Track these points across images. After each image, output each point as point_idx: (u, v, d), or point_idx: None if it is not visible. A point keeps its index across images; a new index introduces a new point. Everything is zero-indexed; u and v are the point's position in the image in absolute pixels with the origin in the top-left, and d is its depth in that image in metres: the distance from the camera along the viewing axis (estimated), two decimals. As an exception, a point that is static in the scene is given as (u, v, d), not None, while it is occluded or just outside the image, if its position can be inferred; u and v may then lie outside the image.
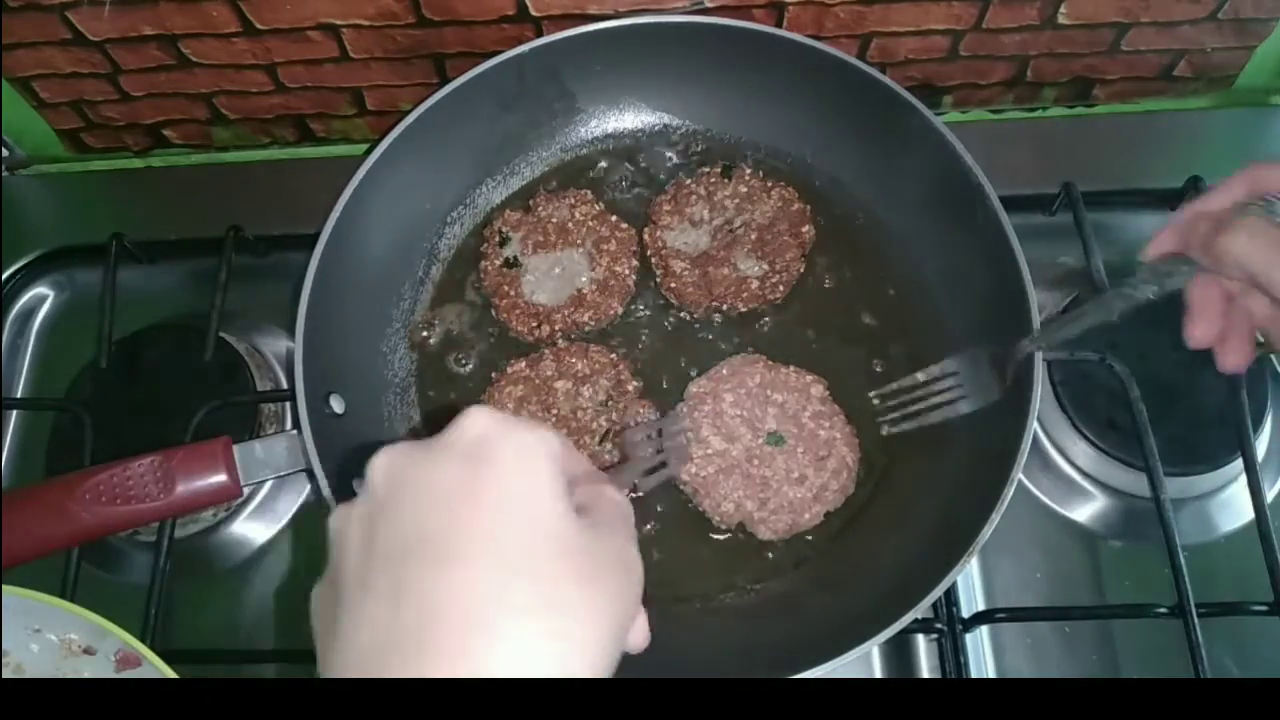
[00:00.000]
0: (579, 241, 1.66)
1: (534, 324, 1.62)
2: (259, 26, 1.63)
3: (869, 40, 1.72)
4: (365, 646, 0.74)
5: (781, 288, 1.64)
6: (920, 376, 1.53)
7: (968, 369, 1.50)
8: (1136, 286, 1.22)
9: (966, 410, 1.49)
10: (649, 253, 1.68)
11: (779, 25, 1.68)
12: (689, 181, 1.71)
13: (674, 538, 1.54)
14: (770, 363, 1.58)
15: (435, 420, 1.61)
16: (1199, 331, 1.17)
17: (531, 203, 1.71)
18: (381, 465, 0.83)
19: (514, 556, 0.76)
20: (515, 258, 1.65)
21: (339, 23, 1.63)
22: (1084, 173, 1.70)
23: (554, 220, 1.67)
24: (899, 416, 1.54)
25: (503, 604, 0.73)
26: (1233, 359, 1.16)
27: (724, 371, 1.57)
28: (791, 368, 1.58)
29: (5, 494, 1.60)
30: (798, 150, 1.74)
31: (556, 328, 1.62)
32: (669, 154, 1.79)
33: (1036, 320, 1.40)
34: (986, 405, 1.47)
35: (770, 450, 1.52)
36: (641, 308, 1.69)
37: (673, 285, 1.64)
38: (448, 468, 0.81)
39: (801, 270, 1.64)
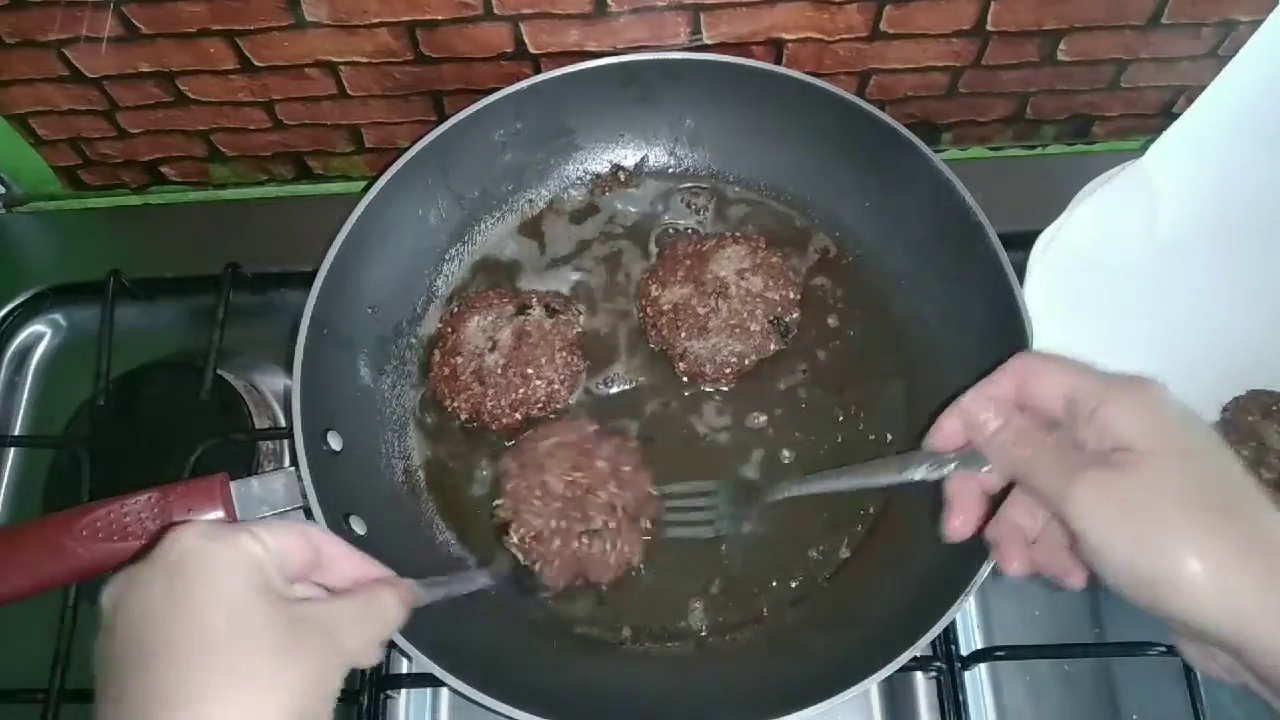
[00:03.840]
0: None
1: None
2: (257, 64, 1.64)
3: (868, 77, 1.73)
4: None
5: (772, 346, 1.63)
6: (681, 488, 1.54)
7: (725, 495, 1.52)
8: (910, 467, 1.20)
9: (707, 535, 1.52)
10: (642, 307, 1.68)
11: (778, 62, 1.68)
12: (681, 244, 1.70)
13: (667, 577, 1.53)
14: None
15: (433, 459, 1.60)
16: (957, 523, 1.14)
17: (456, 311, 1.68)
18: (108, 593, 0.93)
19: (209, 648, 0.86)
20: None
21: (337, 60, 1.64)
22: (1083, 210, 1.69)
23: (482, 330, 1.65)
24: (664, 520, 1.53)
25: (202, 691, 0.84)
26: (1015, 566, 1.11)
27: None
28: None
29: (2, 530, 1.60)
30: (796, 187, 1.74)
31: (518, 416, 1.61)
32: (667, 191, 1.78)
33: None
34: (724, 534, 1.52)
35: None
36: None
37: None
38: (154, 583, 0.90)
39: (797, 314, 1.64)
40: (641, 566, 1.52)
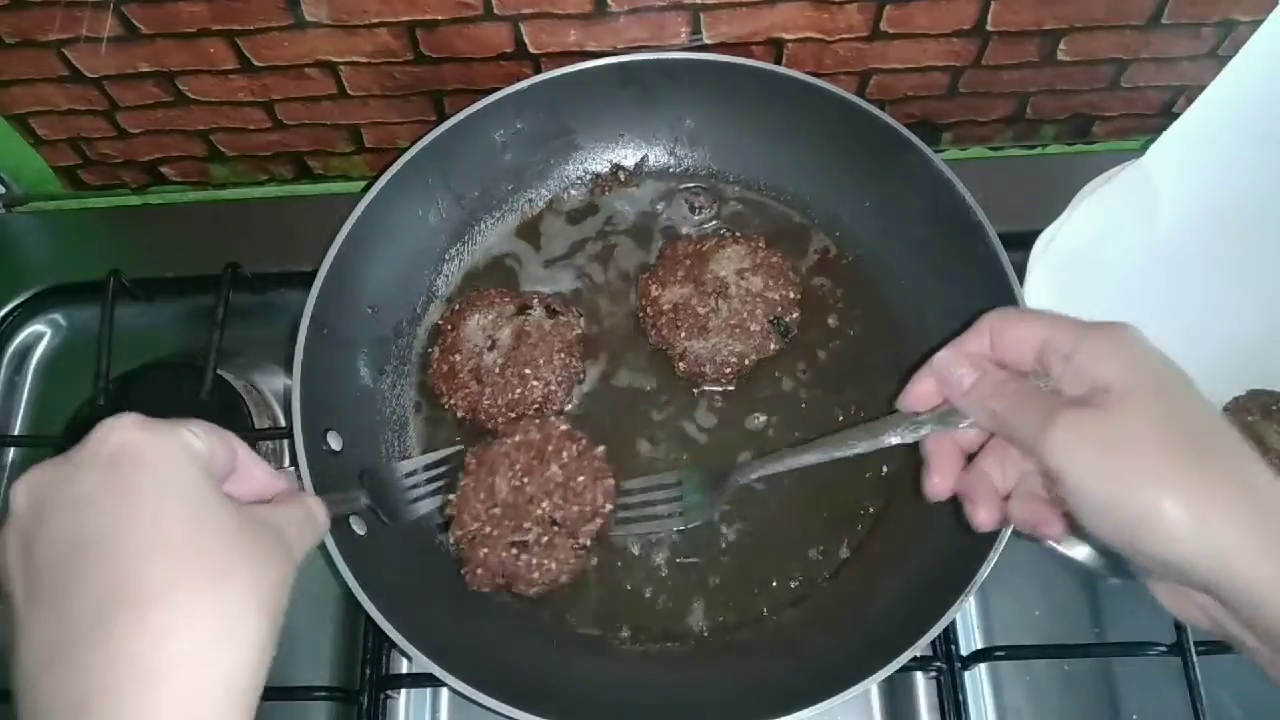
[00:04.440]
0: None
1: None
2: (257, 64, 1.64)
3: (868, 77, 1.73)
4: (40, 652, 0.79)
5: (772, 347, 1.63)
6: (644, 482, 1.55)
7: (690, 484, 1.52)
8: (885, 432, 1.20)
9: (676, 527, 1.52)
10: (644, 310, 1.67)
11: (778, 62, 1.68)
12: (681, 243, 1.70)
13: (668, 576, 1.53)
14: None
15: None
16: (937, 482, 1.15)
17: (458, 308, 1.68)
18: (24, 487, 0.87)
19: (173, 542, 0.82)
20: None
21: (337, 60, 1.64)
22: (1083, 210, 1.69)
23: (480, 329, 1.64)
24: (625, 517, 1.53)
25: (171, 582, 0.80)
26: (983, 515, 1.11)
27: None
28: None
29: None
30: (796, 187, 1.74)
31: (515, 416, 1.60)
32: (667, 190, 1.78)
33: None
34: (695, 526, 1.52)
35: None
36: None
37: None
38: (91, 476, 0.85)
39: (797, 314, 1.64)
40: (588, 577, 1.53)
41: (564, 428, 1.53)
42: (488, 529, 1.46)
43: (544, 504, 1.46)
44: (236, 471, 1.00)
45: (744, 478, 1.44)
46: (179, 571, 0.81)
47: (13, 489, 0.88)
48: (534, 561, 1.45)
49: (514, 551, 1.45)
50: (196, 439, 0.91)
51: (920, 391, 1.16)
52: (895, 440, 1.18)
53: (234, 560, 0.85)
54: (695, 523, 1.51)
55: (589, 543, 1.48)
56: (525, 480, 1.48)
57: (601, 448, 1.52)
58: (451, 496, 1.49)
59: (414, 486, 1.50)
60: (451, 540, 1.47)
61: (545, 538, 1.45)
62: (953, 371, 1.11)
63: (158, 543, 0.82)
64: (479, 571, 1.45)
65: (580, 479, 1.49)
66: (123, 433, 0.87)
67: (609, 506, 1.49)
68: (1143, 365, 0.98)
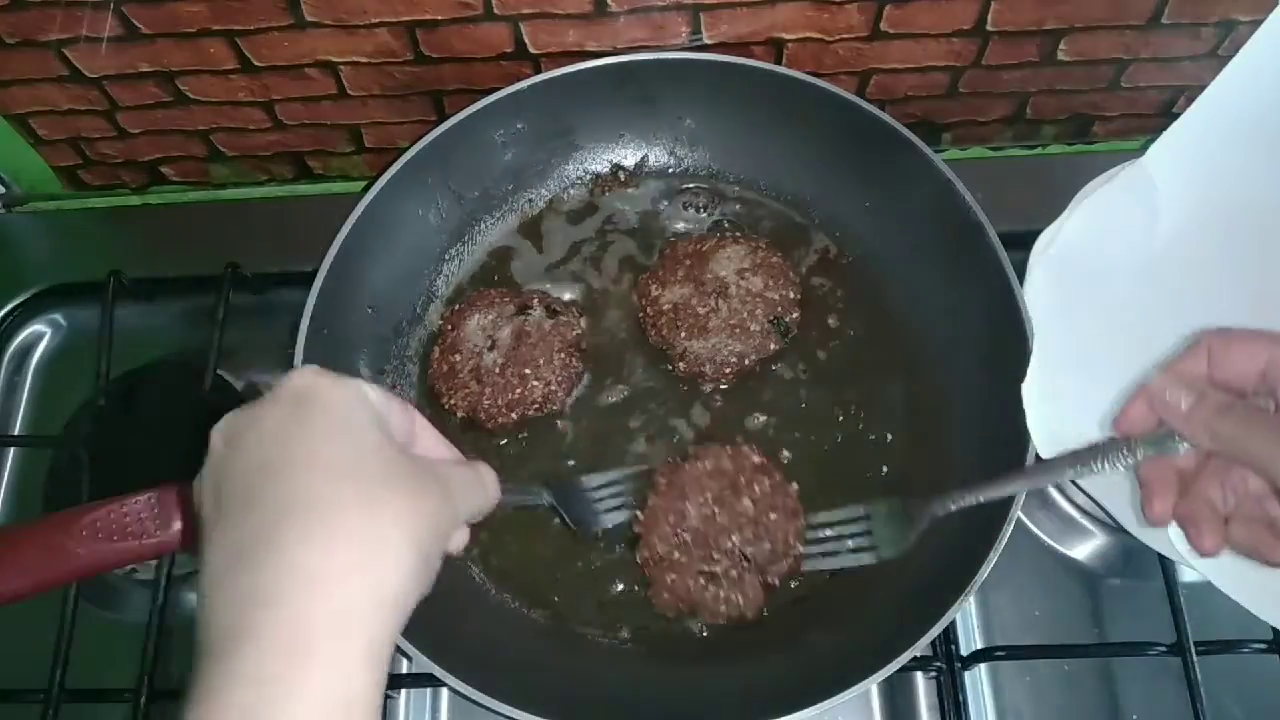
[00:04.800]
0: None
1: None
2: (257, 64, 1.64)
3: (868, 77, 1.73)
4: (220, 562, 0.86)
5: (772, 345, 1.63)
6: (830, 516, 1.50)
7: (879, 517, 1.45)
8: (1095, 459, 1.16)
9: (869, 562, 1.44)
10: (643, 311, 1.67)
11: (778, 62, 1.68)
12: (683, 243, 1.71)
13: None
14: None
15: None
16: (1158, 508, 1.11)
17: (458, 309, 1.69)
18: (219, 430, 0.94)
19: (340, 467, 0.88)
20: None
21: (337, 60, 1.64)
22: (1083, 210, 1.69)
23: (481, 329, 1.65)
24: (817, 554, 1.50)
25: (334, 501, 0.85)
26: (1208, 542, 1.07)
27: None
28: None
29: (2, 530, 1.60)
30: (796, 187, 1.74)
31: (515, 416, 1.61)
32: (666, 190, 1.79)
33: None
34: (889, 559, 1.42)
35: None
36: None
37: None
38: (276, 412, 0.92)
39: (797, 314, 1.64)
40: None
41: (757, 459, 1.53)
42: (676, 554, 1.47)
43: (734, 536, 1.47)
44: (414, 441, 1.04)
45: (942, 510, 1.34)
46: (340, 493, 0.86)
47: (212, 432, 0.95)
48: (721, 594, 1.46)
49: (702, 581, 1.46)
50: (373, 393, 0.96)
51: (1134, 414, 1.13)
52: (1107, 467, 1.15)
53: (389, 490, 0.89)
54: (888, 557, 1.42)
55: (777, 582, 1.48)
56: (717, 510, 1.48)
57: (795, 485, 1.52)
58: (639, 514, 1.51)
59: (600, 500, 1.53)
60: (638, 559, 1.50)
61: (734, 571, 1.46)
62: (1169, 395, 1.09)
63: (324, 466, 0.88)
64: (665, 596, 1.48)
65: (773, 516, 1.49)
66: (307, 377, 0.94)
67: (800, 548, 1.49)
68: None
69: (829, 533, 1.49)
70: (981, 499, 1.29)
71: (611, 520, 1.52)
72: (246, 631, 0.80)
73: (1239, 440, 1.02)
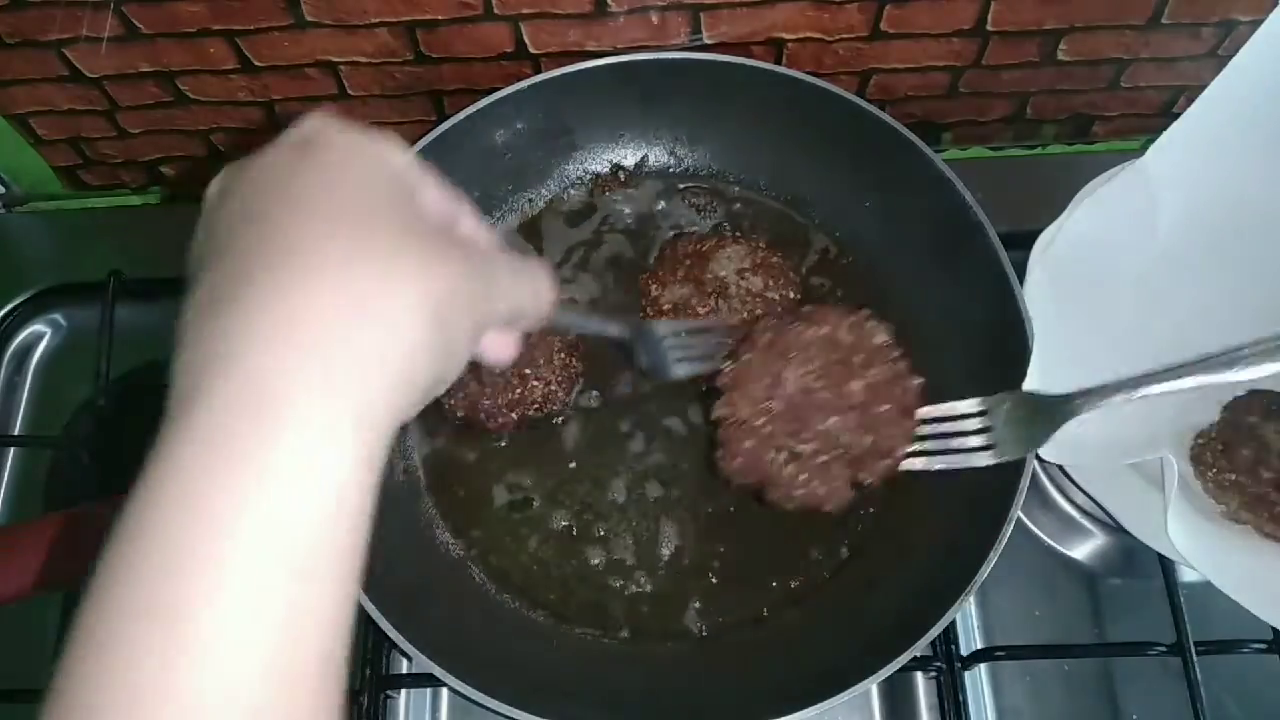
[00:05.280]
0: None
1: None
2: (257, 64, 1.64)
3: (869, 77, 1.73)
4: (192, 312, 0.74)
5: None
6: (954, 408, 1.39)
7: (1001, 413, 1.36)
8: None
9: (986, 463, 1.34)
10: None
11: (778, 62, 1.68)
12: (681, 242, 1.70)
13: (667, 577, 1.54)
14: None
15: (433, 459, 1.61)
16: None
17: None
18: (215, 182, 0.83)
19: (337, 211, 0.76)
20: None
21: (337, 60, 1.64)
22: (1083, 210, 1.69)
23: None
24: (917, 451, 1.38)
25: (322, 243, 0.73)
26: None
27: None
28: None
29: (2, 530, 1.60)
30: (796, 187, 1.74)
31: (514, 416, 1.60)
32: (666, 190, 1.79)
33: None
34: (1009, 461, 1.33)
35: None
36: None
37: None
38: (276, 157, 0.81)
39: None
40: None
41: (882, 339, 1.37)
42: (761, 421, 1.32)
43: (833, 419, 1.31)
44: (455, 223, 0.93)
45: (1083, 410, 1.29)
46: (333, 235, 0.74)
47: (208, 187, 0.83)
48: (801, 477, 1.32)
49: (783, 457, 1.32)
50: (401, 156, 0.84)
51: None
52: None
53: (396, 244, 0.75)
54: (1009, 458, 1.32)
55: (869, 481, 1.35)
56: (820, 384, 1.32)
57: (920, 381, 1.38)
58: (728, 366, 1.38)
59: (678, 348, 1.41)
60: (714, 416, 1.37)
61: (823, 457, 1.32)
62: None
63: (320, 210, 0.75)
64: (736, 462, 1.34)
65: (885, 408, 1.33)
66: (318, 122, 0.83)
67: (905, 450, 1.35)
68: None
69: (941, 429, 1.38)
70: (1134, 396, 1.26)
71: (686, 370, 1.41)
72: (205, 386, 0.70)
73: None
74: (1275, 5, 1.37)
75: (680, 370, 1.40)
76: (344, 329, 0.71)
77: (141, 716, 0.61)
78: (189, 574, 0.64)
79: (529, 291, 0.92)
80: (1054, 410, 1.32)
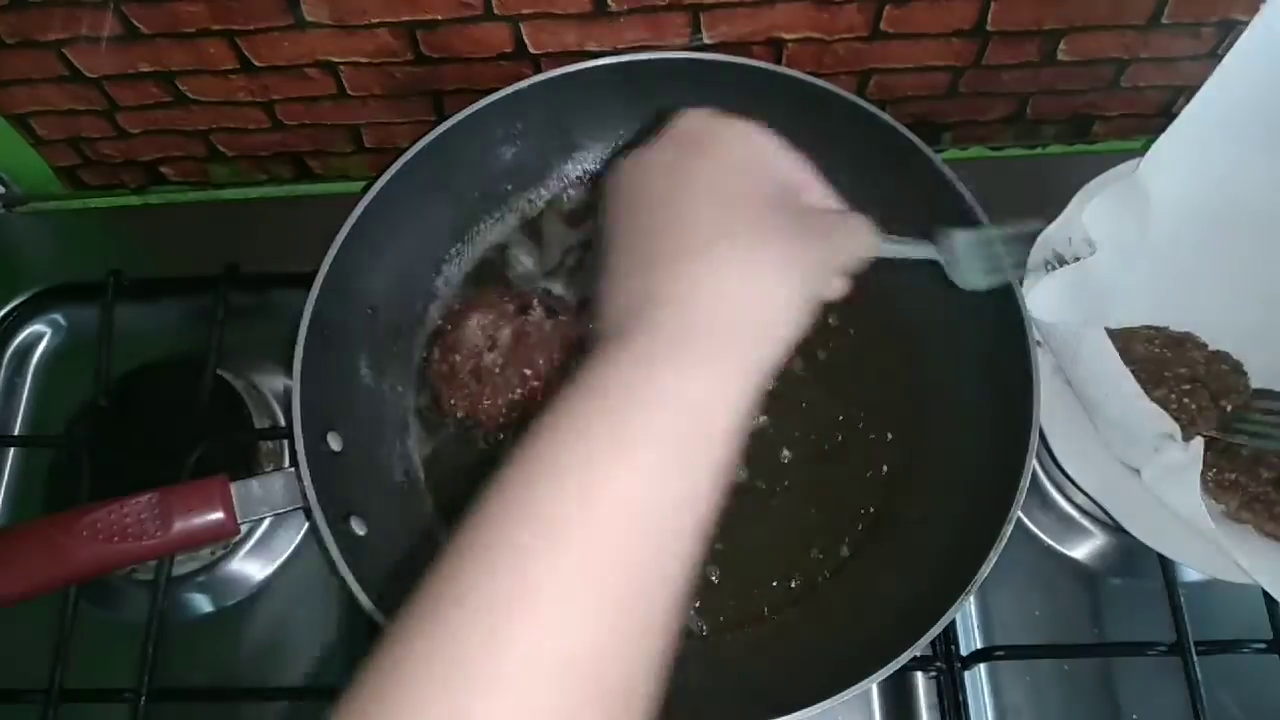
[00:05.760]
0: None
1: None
2: (256, 64, 1.64)
3: (868, 77, 1.73)
4: (623, 269, 0.94)
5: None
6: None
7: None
8: None
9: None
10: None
11: (778, 62, 1.68)
12: None
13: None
14: None
15: (434, 460, 1.61)
16: None
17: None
18: (609, 174, 1.03)
19: (732, 200, 0.94)
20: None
21: (337, 60, 1.64)
22: (1083, 210, 1.69)
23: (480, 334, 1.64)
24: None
25: (724, 228, 0.92)
26: None
27: None
28: None
29: (2, 531, 1.60)
30: (796, 187, 1.74)
31: (515, 416, 1.60)
32: (667, 190, 1.77)
33: (1035, 354, 1.40)
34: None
35: None
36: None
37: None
38: (667, 151, 0.99)
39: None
40: None
41: None
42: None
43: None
44: (804, 188, 1.10)
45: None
46: (732, 221, 0.92)
47: (604, 180, 1.05)
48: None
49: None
50: (765, 139, 1.03)
51: None
52: None
53: (778, 230, 0.94)
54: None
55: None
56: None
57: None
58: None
59: (987, 256, 1.38)
60: None
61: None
62: None
63: (719, 198, 0.94)
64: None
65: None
66: (700, 120, 1.02)
67: None
68: None
69: None
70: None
71: (994, 281, 1.36)
72: (639, 321, 0.87)
73: None
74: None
75: (990, 280, 1.36)
76: (737, 295, 0.89)
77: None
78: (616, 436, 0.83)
79: (860, 244, 1.12)
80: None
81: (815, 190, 1.11)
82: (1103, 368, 1.37)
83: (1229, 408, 1.50)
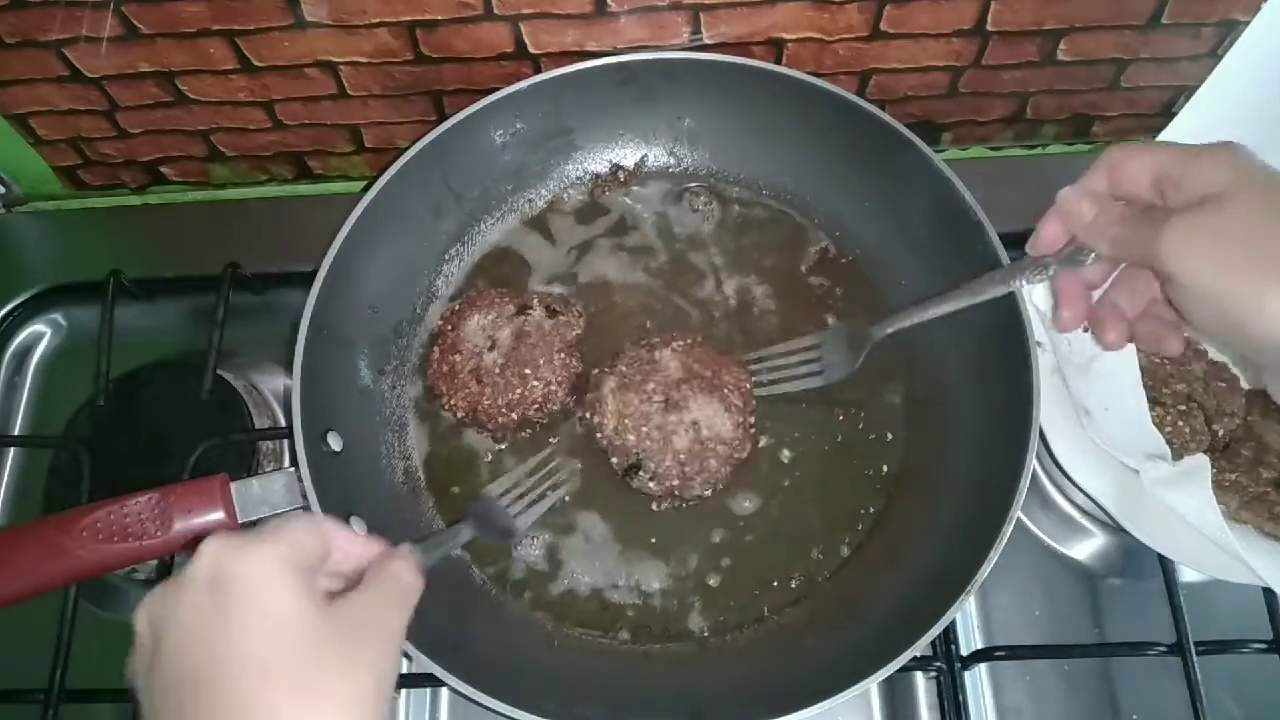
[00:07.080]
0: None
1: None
2: (257, 64, 1.64)
3: (868, 77, 1.73)
4: None
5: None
6: (784, 347, 1.61)
7: (829, 344, 1.57)
8: (1015, 275, 1.31)
9: (819, 384, 1.57)
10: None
11: (778, 62, 1.68)
12: None
13: (667, 576, 1.53)
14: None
15: (434, 460, 1.61)
16: (1067, 316, 1.26)
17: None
18: (144, 614, 0.94)
19: (270, 662, 0.87)
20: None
21: (337, 60, 1.64)
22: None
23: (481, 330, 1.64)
24: (765, 381, 1.60)
25: (271, 708, 0.85)
26: (1111, 335, 1.23)
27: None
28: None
29: (2, 531, 1.60)
30: (796, 187, 1.74)
31: (514, 416, 1.60)
32: (666, 190, 1.78)
33: (1035, 354, 1.40)
34: (838, 380, 1.55)
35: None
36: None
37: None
38: (194, 601, 0.91)
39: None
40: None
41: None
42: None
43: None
44: (331, 554, 1.03)
45: (881, 333, 1.49)
46: (273, 694, 0.85)
47: (136, 615, 0.94)
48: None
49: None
50: (280, 548, 0.94)
51: (1048, 235, 1.26)
52: (1025, 282, 1.31)
53: (325, 677, 0.88)
54: (836, 379, 1.55)
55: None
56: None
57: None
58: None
59: (513, 504, 1.51)
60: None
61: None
62: (1076, 207, 1.21)
63: (251, 667, 0.86)
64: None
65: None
66: (217, 559, 0.92)
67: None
68: (1249, 173, 1.06)
69: (780, 361, 1.60)
70: (922, 318, 1.43)
71: (527, 521, 1.50)
72: None
73: (1127, 239, 1.14)
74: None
75: (523, 523, 1.51)
76: None
77: None
78: None
79: (408, 590, 1.05)
80: (864, 337, 1.51)
81: (343, 547, 1.05)
82: (1118, 381, 1.38)
83: (1220, 432, 1.50)
